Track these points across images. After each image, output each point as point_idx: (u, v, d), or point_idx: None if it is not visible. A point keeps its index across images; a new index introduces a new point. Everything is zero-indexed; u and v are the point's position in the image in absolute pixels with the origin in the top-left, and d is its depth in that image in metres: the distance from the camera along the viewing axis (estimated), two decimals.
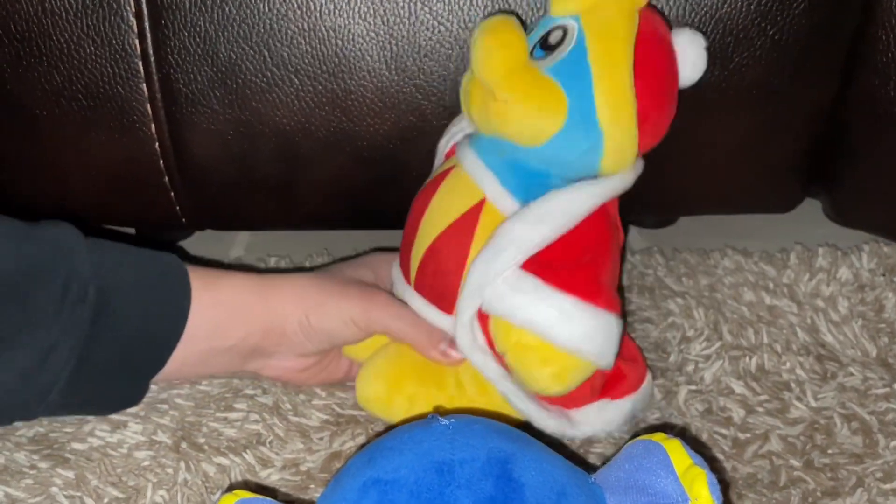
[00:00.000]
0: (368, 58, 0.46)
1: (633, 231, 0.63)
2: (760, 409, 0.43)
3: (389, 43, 0.46)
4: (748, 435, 0.42)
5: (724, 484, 0.36)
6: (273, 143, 0.49)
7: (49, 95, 0.46)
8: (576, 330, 0.37)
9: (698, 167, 0.53)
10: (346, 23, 0.46)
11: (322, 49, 0.46)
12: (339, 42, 0.46)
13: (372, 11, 0.45)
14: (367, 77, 0.47)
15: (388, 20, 0.46)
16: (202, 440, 0.42)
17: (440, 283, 0.40)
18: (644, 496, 0.25)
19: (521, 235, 0.37)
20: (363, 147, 0.49)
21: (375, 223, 0.55)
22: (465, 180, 0.40)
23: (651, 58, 0.38)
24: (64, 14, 0.44)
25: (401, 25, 0.46)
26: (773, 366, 0.46)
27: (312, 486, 0.40)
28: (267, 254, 0.60)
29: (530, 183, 0.38)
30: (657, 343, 0.49)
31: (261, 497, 0.28)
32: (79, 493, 0.38)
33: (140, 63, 0.46)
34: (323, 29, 0.46)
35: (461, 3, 0.45)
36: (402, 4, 0.45)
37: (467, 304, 0.38)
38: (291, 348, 0.42)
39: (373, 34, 0.46)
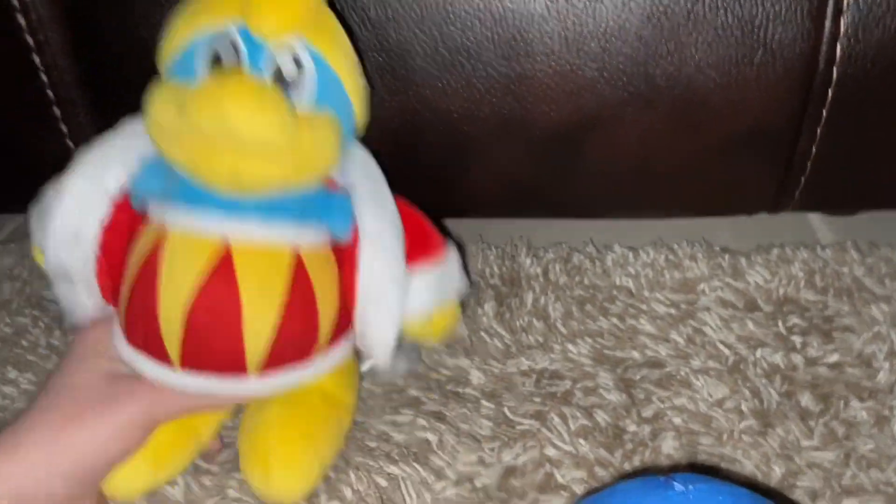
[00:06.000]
0: (548, 40, 0.42)
1: (819, 220, 0.57)
2: None
3: (573, 23, 0.42)
4: None
5: None
6: (440, 131, 0.46)
7: None
8: (449, 288, 0.41)
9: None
10: (525, 3, 0.42)
11: (497, 31, 0.42)
12: (517, 23, 0.42)
13: None
14: (544, 60, 0.43)
15: None
16: (373, 444, 0.41)
17: (220, 347, 0.34)
18: None
19: (392, 243, 0.37)
20: (537, 134, 0.46)
21: (543, 211, 0.52)
22: (187, 238, 0.34)
23: None
24: None
25: (586, 3, 0.41)
26: None
27: None
28: None
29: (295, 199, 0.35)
30: (862, 357, 0.44)
31: None
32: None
33: None
34: (500, 9, 0.42)
35: None
36: None
37: (382, 342, 0.38)
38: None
39: (554, 14, 0.42)
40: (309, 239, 0.36)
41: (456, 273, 0.41)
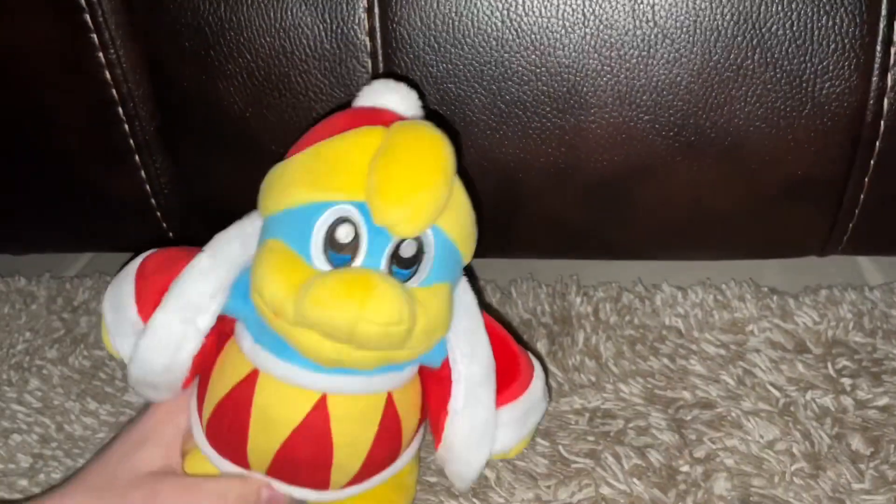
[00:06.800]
0: (601, 93, 0.44)
1: (867, 261, 0.58)
2: None
3: (625, 78, 0.44)
4: None
5: None
6: (495, 178, 0.48)
7: (286, 133, 0.48)
8: (533, 419, 0.39)
9: None
10: (580, 58, 0.44)
11: (552, 85, 0.45)
12: (571, 78, 0.44)
13: (608, 45, 0.43)
14: (597, 113, 0.45)
15: (623, 54, 0.43)
16: (433, 479, 0.43)
17: (308, 476, 0.35)
18: None
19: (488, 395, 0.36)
20: (588, 182, 0.47)
21: (593, 253, 0.54)
22: (282, 386, 0.34)
23: None
24: (303, 56, 0.46)
25: (638, 59, 0.43)
26: None
27: None
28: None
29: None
30: None
31: None
32: None
33: None
34: (555, 65, 0.44)
35: (704, 37, 0.42)
36: (640, 38, 0.43)
37: (474, 475, 0.37)
38: None
39: (607, 69, 0.44)
40: (403, 381, 0.36)
41: (540, 399, 0.39)
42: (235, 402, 0.34)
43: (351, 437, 0.34)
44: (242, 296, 0.34)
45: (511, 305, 0.56)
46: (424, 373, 0.37)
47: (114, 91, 0.49)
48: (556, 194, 0.49)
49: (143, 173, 0.52)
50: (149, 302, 0.35)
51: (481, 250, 0.56)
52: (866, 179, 0.45)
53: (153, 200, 0.53)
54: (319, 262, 0.32)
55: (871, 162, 0.44)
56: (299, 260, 0.32)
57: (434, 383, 0.37)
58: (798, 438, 0.43)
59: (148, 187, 0.53)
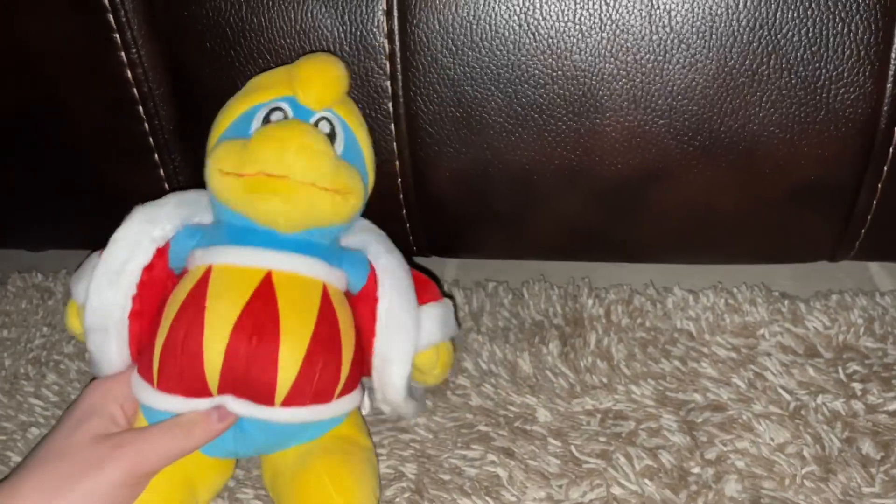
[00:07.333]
0: (617, 97, 0.45)
1: (878, 267, 0.58)
2: None
3: (641, 82, 0.44)
4: None
5: None
6: (510, 180, 0.49)
7: None
8: (451, 326, 0.46)
9: None
10: (596, 62, 0.44)
11: (568, 89, 0.45)
12: (587, 82, 0.45)
13: (624, 50, 0.44)
14: (613, 116, 0.45)
15: (639, 59, 0.44)
16: (446, 477, 0.43)
17: (257, 373, 0.38)
18: None
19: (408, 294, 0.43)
20: (602, 185, 0.48)
21: (605, 255, 0.54)
22: (233, 269, 0.39)
23: None
24: None
25: (654, 64, 0.44)
26: None
27: None
28: (485, 278, 0.60)
29: (323, 244, 0.42)
30: None
31: None
32: None
33: (390, 104, 0.47)
34: (571, 69, 0.45)
35: (720, 42, 0.43)
36: (656, 43, 0.43)
37: (401, 372, 0.42)
38: None
39: (623, 73, 0.44)
40: (335, 278, 0.41)
41: (453, 314, 0.46)
42: (189, 308, 0.38)
43: (295, 315, 0.38)
44: (189, 234, 0.42)
45: (523, 306, 0.56)
46: (353, 301, 0.43)
47: (134, 90, 0.50)
48: (570, 196, 0.49)
49: (161, 171, 0.53)
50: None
51: (495, 250, 0.57)
52: (879, 185, 0.45)
53: None
54: (257, 125, 0.41)
55: (885, 168, 0.45)
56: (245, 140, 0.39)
57: (363, 306, 0.43)
58: (809, 442, 0.43)
59: (166, 185, 0.53)
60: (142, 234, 0.41)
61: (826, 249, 0.51)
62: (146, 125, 0.51)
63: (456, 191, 0.50)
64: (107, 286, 0.40)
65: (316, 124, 0.41)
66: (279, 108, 0.41)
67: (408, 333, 0.42)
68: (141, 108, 0.51)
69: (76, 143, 0.53)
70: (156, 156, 0.52)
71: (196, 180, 0.53)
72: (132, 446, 0.37)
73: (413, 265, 0.46)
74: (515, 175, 0.49)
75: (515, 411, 0.48)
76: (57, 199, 0.57)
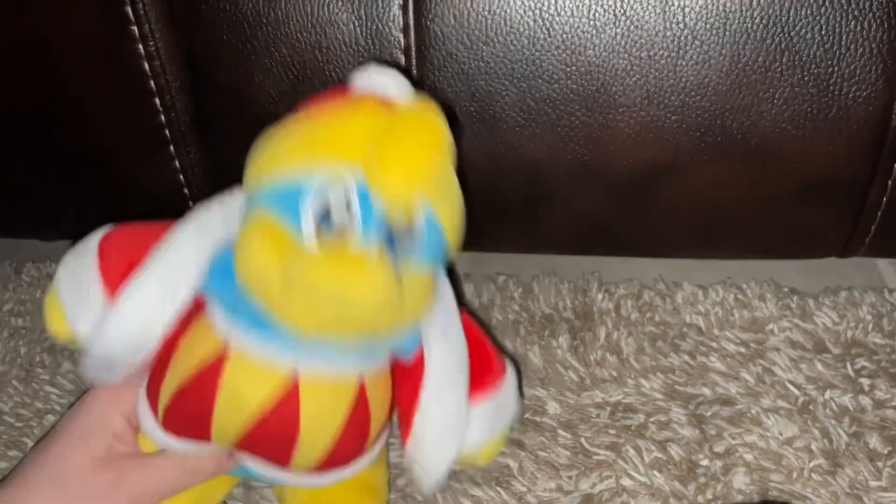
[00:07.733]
0: (630, 93, 0.45)
1: (886, 264, 0.58)
2: None
3: (654, 78, 0.45)
4: None
5: None
6: (522, 174, 0.49)
7: None
8: (505, 419, 0.39)
9: None
10: (610, 58, 0.45)
11: (582, 84, 0.45)
12: (601, 77, 0.45)
13: (638, 46, 0.44)
14: (626, 112, 0.46)
15: (653, 55, 0.44)
16: (458, 467, 0.44)
17: (271, 456, 0.35)
18: None
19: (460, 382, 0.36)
20: (614, 180, 0.48)
21: (616, 249, 0.55)
22: (254, 364, 0.33)
23: None
24: (338, 51, 0.47)
25: (667, 60, 0.44)
26: None
27: None
28: (495, 271, 0.61)
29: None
30: None
31: None
32: None
33: None
34: (585, 64, 0.45)
35: (733, 39, 0.43)
36: (670, 39, 0.44)
37: (442, 471, 0.36)
38: None
39: (636, 69, 0.45)
40: (375, 367, 0.36)
41: (512, 399, 0.40)
42: (201, 382, 0.33)
43: (319, 420, 0.34)
44: (219, 273, 0.33)
45: (533, 300, 0.57)
46: (395, 369, 0.38)
47: (151, 82, 0.50)
48: (582, 191, 0.50)
49: (177, 163, 0.53)
50: (116, 279, 0.34)
51: (505, 244, 0.57)
52: (889, 182, 0.46)
53: (186, 191, 0.54)
54: (309, 231, 0.30)
55: (895, 165, 0.45)
56: (289, 230, 0.30)
57: (405, 378, 0.37)
58: (816, 436, 0.44)
59: (182, 177, 0.54)
60: (164, 294, 0.33)
61: (836, 246, 0.51)
62: (162, 117, 0.51)
63: (469, 183, 0.50)
64: (120, 354, 0.33)
65: (387, 229, 0.31)
66: (342, 189, 0.30)
67: (451, 438, 0.36)
68: (158, 101, 0.51)
69: (92, 135, 0.54)
70: (171, 148, 0.53)
71: (212, 175, 0.54)
72: (136, 483, 0.35)
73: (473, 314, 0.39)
74: (528, 169, 0.49)
75: (526, 403, 0.48)
76: (72, 190, 0.58)
